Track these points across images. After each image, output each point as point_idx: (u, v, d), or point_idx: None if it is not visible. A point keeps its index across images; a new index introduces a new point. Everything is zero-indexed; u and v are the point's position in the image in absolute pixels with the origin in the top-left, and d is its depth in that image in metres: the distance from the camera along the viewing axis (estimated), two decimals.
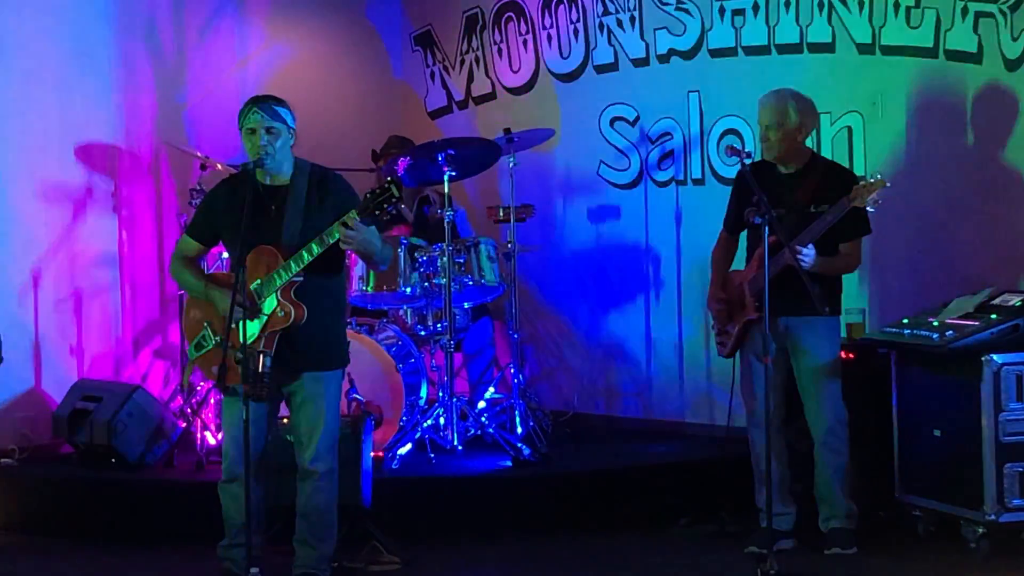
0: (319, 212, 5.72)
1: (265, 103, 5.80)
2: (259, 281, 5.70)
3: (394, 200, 5.56)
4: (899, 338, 6.49)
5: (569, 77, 8.59)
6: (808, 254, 6.17)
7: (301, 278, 5.69)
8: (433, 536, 6.63)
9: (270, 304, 5.70)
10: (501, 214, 7.88)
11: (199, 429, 7.37)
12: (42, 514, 7.11)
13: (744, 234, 6.57)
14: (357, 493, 6.31)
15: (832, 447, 6.37)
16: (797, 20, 7.53)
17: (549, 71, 8.68)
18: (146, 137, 8.31)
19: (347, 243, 5.64)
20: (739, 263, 6.61)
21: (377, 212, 5.60)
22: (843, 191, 6.23)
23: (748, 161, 6.36)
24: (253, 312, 5.66)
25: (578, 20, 8.48)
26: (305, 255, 5.65)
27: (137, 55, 8.28)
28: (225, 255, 6.87)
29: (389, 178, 5.68)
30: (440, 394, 7.43)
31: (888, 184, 6.20)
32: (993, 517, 6.09)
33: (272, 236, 5.74)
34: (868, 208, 6.19)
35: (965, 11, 6.89)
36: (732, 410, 6.87)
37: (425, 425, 7.25)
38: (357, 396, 6.82)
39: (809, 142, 6.56)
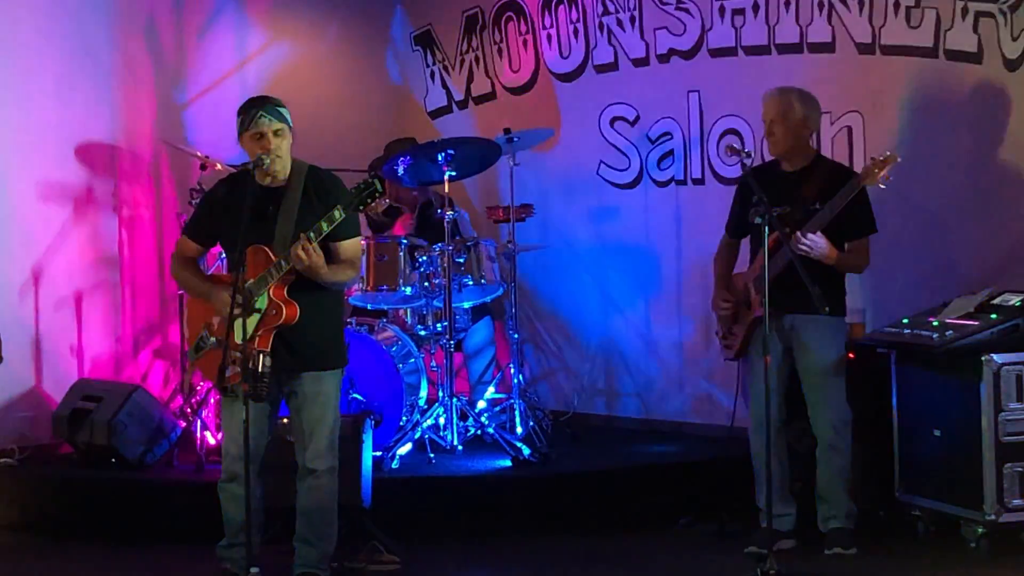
0: (311, 215, 5.69)
1: (268, 105, 5.78)
2: (251, 280, 5.68)
3: (378, 196, 5.56)
4: (899, 338, 6.49)
5: (569, 77, 8.59)
6: (817, 242, 6.14)
7: (293, 276, 5.68)
8: (433, 536, 6.63)
9: (262, 303, 5.69)
10: (501, 214, 7.89)
11: (199, 429, 7.37)
12: (42, 514, 7.11)
13: (747, 236, 6.57)
14: (357, 493, 6.31)
15: (837, 448, 6.36)
16: (797, 20, 7.53)
17: (549, 71, 8.67)
18: (146, 137, 8.31)
19: (297, 258, 5.59)
20: (742, 267, 6.61)
21: (361, 207, 5.61)
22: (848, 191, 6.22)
23: (748, 162, 6.35)
24: (247, 311, 5.65)
25: (578, 20, 8.48)
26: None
27: (137, 55, 8.28)
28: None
29: (374, 173, 5.67)
30: (440, 394, 7.43)
31: (900, 159, 6.18)
32: (993, 517, 6.09)
33: (267, 237, 5.73)
34: (880, 185, 6.14)
35: (965, 11, 6.89)
36: (736, 410, 6.87)
37: (425, 425, 7.25)
38: (357, 396, 6.82)
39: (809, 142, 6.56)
